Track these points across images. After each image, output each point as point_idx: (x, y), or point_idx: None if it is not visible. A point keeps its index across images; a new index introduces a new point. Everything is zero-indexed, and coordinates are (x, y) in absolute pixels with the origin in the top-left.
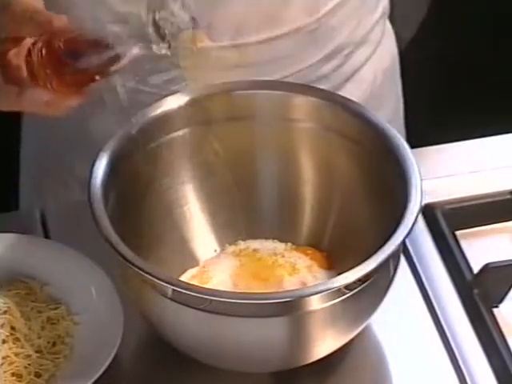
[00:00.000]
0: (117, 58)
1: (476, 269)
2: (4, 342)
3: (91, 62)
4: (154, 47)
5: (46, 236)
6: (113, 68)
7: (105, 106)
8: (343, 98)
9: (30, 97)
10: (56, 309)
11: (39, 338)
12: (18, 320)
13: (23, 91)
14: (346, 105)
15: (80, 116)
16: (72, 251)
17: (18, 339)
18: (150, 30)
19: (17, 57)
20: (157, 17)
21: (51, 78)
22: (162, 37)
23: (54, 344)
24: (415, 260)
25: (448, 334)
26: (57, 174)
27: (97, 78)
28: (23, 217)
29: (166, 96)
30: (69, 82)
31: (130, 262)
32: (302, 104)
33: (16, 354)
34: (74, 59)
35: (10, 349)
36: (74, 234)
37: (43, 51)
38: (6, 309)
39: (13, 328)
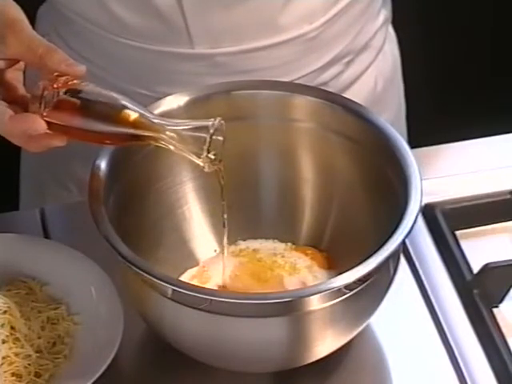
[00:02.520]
0: (136, 138)
1: (476, 269)
2: (4, 341)
3: (109, 130)
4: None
5: (46, 236)
6: (130, 144)
7: None
8: (343, 98)
9: (20, 125)
10: (56, 309)
11: (39, 337)
12: (18, 320)
13: (16, 117)
14: (346, 105)
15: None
16: (72, 251)
17: (18, 339)
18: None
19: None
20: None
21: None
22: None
23: (54, 344)
24: (415, 260)
25: (448, 334)
26: (56, 176)
27: (107, 142)
28: (23, 217)
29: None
30: (70, 133)
31: (130, 262)
32: (302, 104)
33: (16, 354)
34: (92, 118)
35: (10, 349)
36: (74, 234)
37: (58, 94)
38: (6, 309)
39: (13, 328)
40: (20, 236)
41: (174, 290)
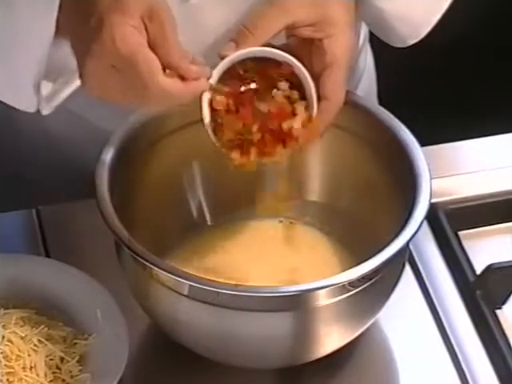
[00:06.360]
0: None
1: (479, 270)
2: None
3: None
4: None
5: (43, 237)
6: None
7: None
8: (353, 94)
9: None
10: (63, 331)
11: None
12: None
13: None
14: (355, 101)
15: (81, 111)
16: (76, 271)
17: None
18: None
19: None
20: None
21: None
22: None
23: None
24: (418, 261)
25: (450, 336)
26: (57, 171)
27: None
28: (20, 217)
29: None
30: None
31: (138, 256)
32: None
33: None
34: None
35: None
36: (70, 234)
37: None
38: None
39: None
40: (27, 257)
41: (181, 282)
